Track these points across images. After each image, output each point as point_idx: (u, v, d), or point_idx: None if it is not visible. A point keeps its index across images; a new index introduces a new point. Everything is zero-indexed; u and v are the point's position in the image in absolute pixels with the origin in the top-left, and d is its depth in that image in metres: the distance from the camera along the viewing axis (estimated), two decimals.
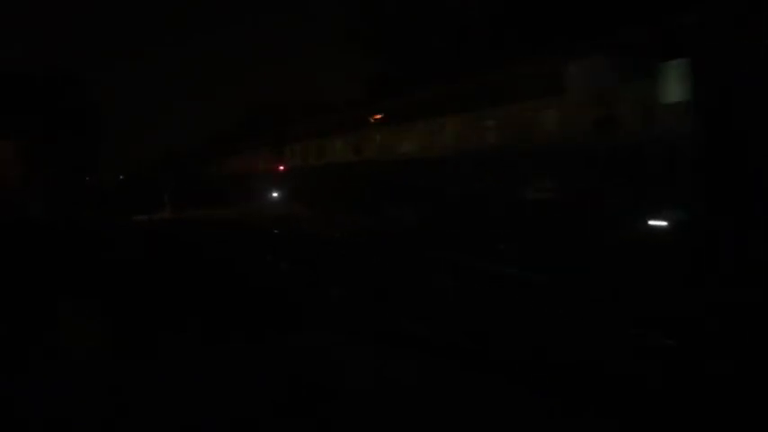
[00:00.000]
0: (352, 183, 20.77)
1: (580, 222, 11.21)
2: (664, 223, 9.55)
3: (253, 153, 34.58)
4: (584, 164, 11.26)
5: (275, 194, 28.83)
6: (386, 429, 4.06)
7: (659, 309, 6.71)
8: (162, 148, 65.71)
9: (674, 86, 9.52)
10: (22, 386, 5.00)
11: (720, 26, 8.76)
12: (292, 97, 46.44)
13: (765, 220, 7.81)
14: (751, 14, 8.19)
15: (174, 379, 5.08)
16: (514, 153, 13.18)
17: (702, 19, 9.08)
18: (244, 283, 9.75)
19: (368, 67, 34.24)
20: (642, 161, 9.99)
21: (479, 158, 14.38)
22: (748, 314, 6.25)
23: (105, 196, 38.48)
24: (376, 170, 19.33)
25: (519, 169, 13.24)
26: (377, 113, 19.75)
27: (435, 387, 4.74)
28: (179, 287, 9.19)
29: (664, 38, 9.72)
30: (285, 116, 37.86)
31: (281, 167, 28.47)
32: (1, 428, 4.33)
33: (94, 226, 21.06)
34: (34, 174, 28.36)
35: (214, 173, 43.21)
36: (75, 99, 36.11)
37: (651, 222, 9.75)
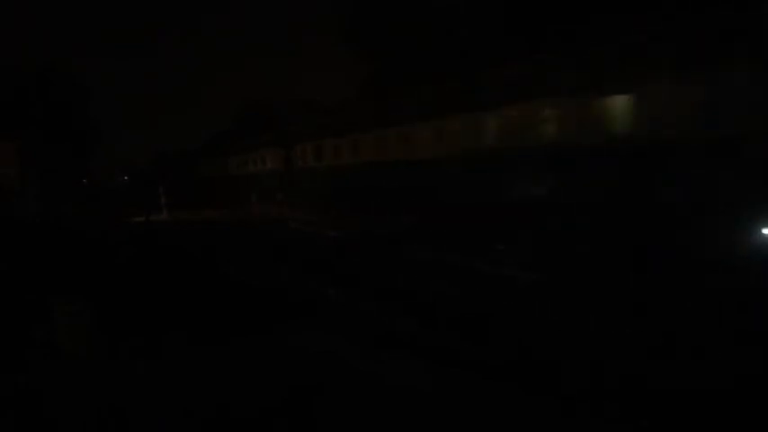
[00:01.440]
0: None
1: None
2: None
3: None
4: None
5: None
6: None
7: None
8: (159, 148, 65.47)
9: None
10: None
11: None
12: (287, 96, 46.48)
13: None
14: None
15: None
16: None
17: None
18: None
19: (362, 67, 34.24)
20: None
21: None
22: None
23: (103, 198, 38.40)
24: None
25: None
26: None
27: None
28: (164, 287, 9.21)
29: None
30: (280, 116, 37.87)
31: None
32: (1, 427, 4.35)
33: (91, 228, 21.00)
34: (31, 174, 28.25)
35: (217, 173, 43.05)
36: (70, 101, 36.00)
37: None
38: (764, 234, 10.04)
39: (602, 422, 4.10)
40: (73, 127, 36.05)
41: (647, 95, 10.87)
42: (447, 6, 25.25)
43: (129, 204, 31.69)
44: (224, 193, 37.88)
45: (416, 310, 7.47)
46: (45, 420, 4.38)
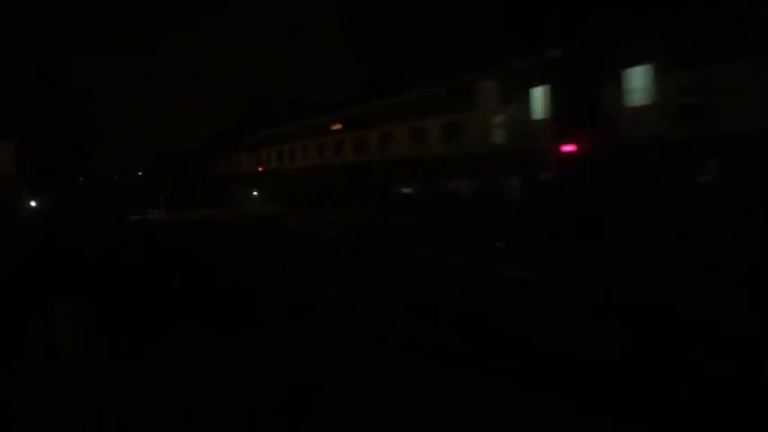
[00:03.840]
0: None
1: None
2: None
3: None
4: None
5: None
6: None
7: None
8: (159, 148, 65.20)
9: None
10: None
11: None
12: (287, 96, 46.48)
13: None
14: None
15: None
16: None
17: None
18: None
19: (362, 67, 34.28)
20: None
21: None
22: None
23: (99, 197, 38.42)
24: None
25: None
26: None
27: None
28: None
29: None
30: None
31: None
32: (3, 425, 4.34)
33: (90, 228, 20.98)
34: (30, 173, 28.25)
35: (215, 173, 43.06)
36: (70, 101, 35.96)
37: None
38: None
39: (608, 421, 4.10)
40: (72, 127, 36.04)
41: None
42: (447, 6, 25.26)
43: (128, 204, 31.70)
44: (222, 193, 37.92)
45: (416, 309, 7.45)
46: (45, 420, 4.37)
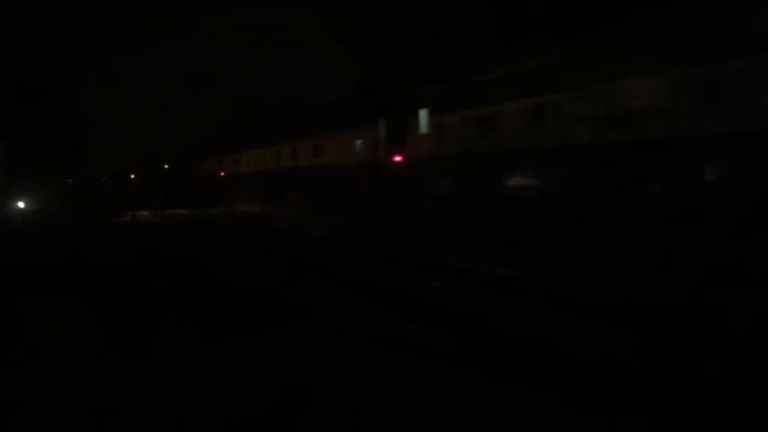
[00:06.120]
0: None
1: None
2: None
3: None
4: None
5: None
6: None
7: None
8: (156, 148, 64.47)
9: None
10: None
11: None
12: (286, 96, 46.43)
13: None
14: None
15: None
16: None
17: None
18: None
19: (353, 68, 34.33)
20: None
21: None
22: None
23: (89, 197, 38.16)
24: None
25: None
26: None
27: None
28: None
29: None
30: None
31: None
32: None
33: (81, 229, 20.82)
34: (21, 173, 28.05)
35: (207, 173, 42.88)
36: (62, 100, 35.68)
37: None
38: None
39: (602, 420, 4.15)
40: (64, 128, 35.78)
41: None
42: (437, 11, 25.42)
43: (115, 204, 31.53)
44: (215, 193, 37.78)
45: (413, 311, 7.51)
46: (37, 422, 4.33)
